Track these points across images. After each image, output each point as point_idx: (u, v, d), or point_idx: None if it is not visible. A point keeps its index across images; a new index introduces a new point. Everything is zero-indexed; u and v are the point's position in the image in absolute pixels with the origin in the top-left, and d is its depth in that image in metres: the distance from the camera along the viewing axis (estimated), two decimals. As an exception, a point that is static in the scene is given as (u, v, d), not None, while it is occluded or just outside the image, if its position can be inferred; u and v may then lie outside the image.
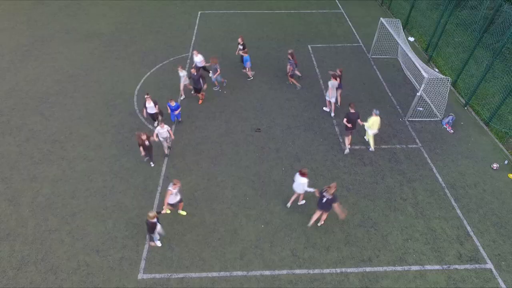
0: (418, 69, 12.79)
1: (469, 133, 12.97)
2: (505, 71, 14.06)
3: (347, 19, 20.75)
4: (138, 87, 15.14)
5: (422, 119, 13.48)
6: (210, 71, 14.68)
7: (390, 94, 14.85)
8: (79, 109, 13.91)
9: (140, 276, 8.75)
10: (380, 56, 17.15)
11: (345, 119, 11.44)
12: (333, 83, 12.71)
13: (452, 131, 12.94)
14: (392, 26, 15.39)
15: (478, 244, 9.49)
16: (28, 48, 17.76)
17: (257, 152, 12.11)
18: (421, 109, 13.82)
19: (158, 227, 8.85)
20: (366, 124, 11.59)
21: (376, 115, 11.30)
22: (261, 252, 9.26)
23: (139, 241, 9.49)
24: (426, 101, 14.24)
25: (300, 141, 12.55)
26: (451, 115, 13.18)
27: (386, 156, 12.01)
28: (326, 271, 8.88)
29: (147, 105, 12.04)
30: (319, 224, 9.83)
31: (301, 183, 9.46)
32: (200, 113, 13.75)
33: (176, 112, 12.71)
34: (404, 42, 14.51)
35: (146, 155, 11.20)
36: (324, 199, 8.94)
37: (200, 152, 12.12)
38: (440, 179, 11.22)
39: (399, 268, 8.93)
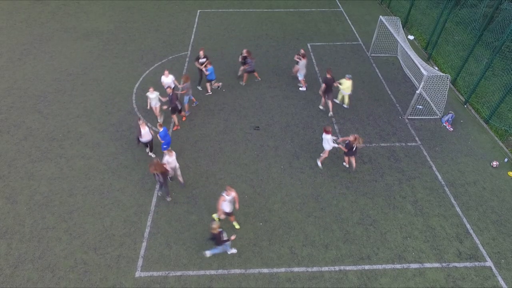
0: (418, 67, 12.73)
1: (468, 131, 12.92)
2: (505, 69, 13.99)
3: (347, 17, 20.70)
4: (137, 85, 15.10)
5: (422, 117, 13.43)
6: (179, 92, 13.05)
7: (389, 92, 14.79)
8: (77, 107, 13.87)
9: (138, 274, 8.71)
10: (379, 55, 17.10)
11: (323, 85, 12.85)
12: (302, 63, 14.07)
13: (451, 129, 12.88)
14: (391, 24, 15.34)
15: (477, 242, 9.43)
16: (27, 46, 17.72)
17: (255, 150, 12.07)
18: (420, 107, 13.77)
19: (224, 235, 8.33)
20: (341, 87, 13.25)
21: (349, 79, 13.05)
22: (259, 250, 9.21)
23: (137, 239, 9.44)
24: (425, 99, 14.18)
25: (299, 139, 12.50)
26: (450, 113, 13.13)
27: (385, 154, 11.95)
28: (325, 269, 8.83)
29: (142, 131, 10.87)
30: (353, 169, 11.20)
31: (326, 139, 10.71)
32: (199, 111, 13.70)
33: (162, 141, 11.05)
34: (403, 40, 14.46)
35: (161, 186, 10.00)
36: (354, 147, 10.49)
37: (199, 150, 12.07)
38: (440, 177, 11.16)
39: (398, 266, 8.88)
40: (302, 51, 14.18)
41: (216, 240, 8.22)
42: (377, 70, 16.10)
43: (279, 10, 21.50)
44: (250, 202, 10.39)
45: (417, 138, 12.55)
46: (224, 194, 8.79)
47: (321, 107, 13.89)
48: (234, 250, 9.09)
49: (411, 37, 18.46)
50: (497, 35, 14.62)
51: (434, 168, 11.45)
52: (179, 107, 12.55)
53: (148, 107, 12.77)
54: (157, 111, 12.87)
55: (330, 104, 13.27)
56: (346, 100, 13.79)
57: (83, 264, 8.89)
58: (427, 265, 8.91)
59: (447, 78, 13.08)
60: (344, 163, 11.46)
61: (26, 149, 12.04)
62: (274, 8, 21.80)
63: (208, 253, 8.98)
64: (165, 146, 11.17)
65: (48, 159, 11.68)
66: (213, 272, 8.75)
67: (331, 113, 13.43)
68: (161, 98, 12.59)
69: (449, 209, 10.22)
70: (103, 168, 11.39)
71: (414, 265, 8.90)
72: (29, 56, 16.98)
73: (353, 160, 11.00)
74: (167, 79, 12.96)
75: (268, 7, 21.91)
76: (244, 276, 8.68)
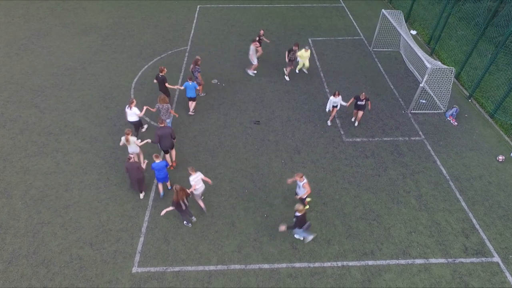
0: (421, 60, 12.48)
1: (473, 125, 12.66)
2: (510, 63, 13.74)
3: (348, 12, 20.45)
4: (135, 79, 14.87)
5: (425, 112, 13.17)
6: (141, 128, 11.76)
7: (392, 86, 14.54)
8: (74, 102, 13.64)
9: (135, 269, 8.46)
10: (381, 49, 16.85)
11: (286, 52, 14.26)
12: (252, 47, 14.38)
13: (456, 123, 12.63)
14: (394, 18, 15.09)
15: (484, 237, 9.17)
16: (25, 41, 17.50)
17: (256, 145, 11.82)
18: (424, 101, 13.52)
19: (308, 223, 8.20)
20: (298, 54, 14.30)
21: (306, 50, 14.15)
22: (260, 245, 8.96)
23: (134, 234, 9.20)
24: (429, 93, 13.93)
25: (300, 133, 12.26)
26: (455, 107, 12.87)
27: (388, 148, 11.70)
28: (327, 264, 8.58)
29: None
30: (356, 124, 12.43)
31: (331, 100, 11.94)
32: (198, 105, 13.46)
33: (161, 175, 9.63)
34: (406, 34, 14.20)
35: (183, 214, 8.98)
36: (364, 102, 11.72)
37: (198, 144, 11.83)
38: (444, 172, 10.91)
39: (402, 262, 8.63)
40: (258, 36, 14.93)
41: (298, 223, 8.04)
42: (379, 65, 15.85)
43: (280, 6, 21.27)
44: (251, 196, 10.15)
45: (420, 133, 12.30)
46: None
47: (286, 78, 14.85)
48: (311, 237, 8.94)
49: (413, 32, 18.20)
50: (501, 29, 14.37)
51: (438, 163, 11.20)
52: (172, 143, 10.50)
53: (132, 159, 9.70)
54: (141, 157, 10.75)
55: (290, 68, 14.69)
56: (305, 69, 15.08)
57: (79, 260, 8.65)
58: (433, 260, 8.66)
59: (451, 71, 12.83)
60: (352, 118, 12.69)
61: (22, 144, 11.81)
62: (274, 3, 21.57)
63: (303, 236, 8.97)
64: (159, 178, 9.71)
65: (44, 154, 11.45)
66: (212, 267, 8.51)
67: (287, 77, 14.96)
68: (138, 144, 10.24)
69: (454, 204, 9.97)
70: (101, 163, 11.15)
71: (419, 261, 8.65)
72: (27, 51, 16.76)
73: (360, 114, 12.16)
74: (131, 111, 11.00)
75: (269, 2, 21.68)
76: (244, 271, 8.43)
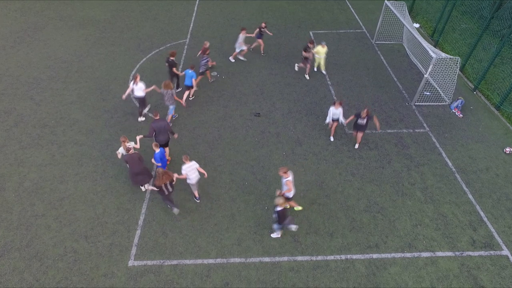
0: (425, 51, 12.18)
1: (479, 117, 12.35)
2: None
3: (350, 6, 20.14)
4: (133, 72, 14.56)
5: (430, 104, 12.87)
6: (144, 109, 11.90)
7: (395, 79, 14.23)
8: (71, 94, 13.33)
9: (131, 263, 8.17)
10: (384, 42, 16.54)
11: (303, 52, 13.57)
12: (241, 36, 14.26)
13: (461, 115, 12.33)
14: (397, 9, 14.78)
15: (492, 230, 8.87)
16: (21, 34, 17.20)
17: (256, 137, 11.52)
18: (428, 93, 13.21)
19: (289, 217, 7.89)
20: (314, 50, 13.67)
21: (323, 45, 13.55)
22: (261, 238, 8.67)
23: (131, 226, 8.90)
24: (433, 86, 13.63)
25: (301, 125, 11.96)
26: (460, 98, 12.57)
27: (392, 140, 11.40)
28: (330, 257, 8.28)
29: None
30: (356, 147, 11.02)
31: (330, 111, 10.74)
32: (197, 97, 13.16)
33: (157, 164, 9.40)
34: (409, 24, 13.89)
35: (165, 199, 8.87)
36: (364, 121, 10.19)
37: (197, 136, 11.53)
38: (450, 164, 10.61)
39: (408, 255, 8.33)
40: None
41: (279, 218, 7.68)
42: (382, 58, 15.55)
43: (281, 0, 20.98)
44: (251, 189, 9.85)
45: (425, 125, 11.99)
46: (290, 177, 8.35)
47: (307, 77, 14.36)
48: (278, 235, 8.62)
49: (416, 25, 17.89)
50: (505, 22, 14.09)
51: (443, 155, 10.90)
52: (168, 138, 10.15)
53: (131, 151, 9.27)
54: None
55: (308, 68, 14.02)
56: (322, 67, 14.26)
57: (73, 253, 8.36)
58: (439, 253, 8.36)
59: (457, 60, 12.52)
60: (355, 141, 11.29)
61: (17, 136, 11.51)
62: (275, -3, 21.25)
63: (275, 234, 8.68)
64: (159, 165, 9.50)
65: (39, 146, 11.15)
66: (211, 261, 8.21)
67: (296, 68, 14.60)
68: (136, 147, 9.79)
69: (461, 196, 9.67)
70: (97, 155, 10.85)
71: (425, 254, 8.35)
72: (23, 43, 16.45)
73: (360, 135, 10.74)
74: (137, 86, 11.16)
75: (269, -4, 21.36)
76: (244, 265, 8.14)
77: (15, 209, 9.31)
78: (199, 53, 13.21)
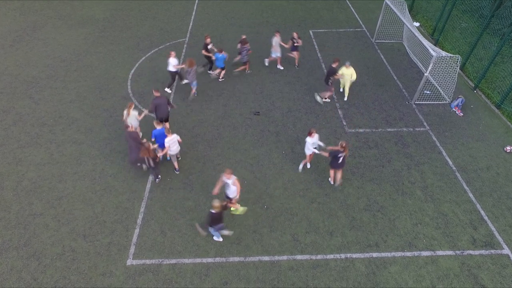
0: (425, 49, 12.13)
1: (479, 116, 12.30)
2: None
3: (350, 5, 20.08)
4: (132, 71, 14.51)
5: (430, 102, 12.81)
6: (185, 79, 12.98)
7: (395, 77, 14.18)
8: (70, 93, 13.29)
9: (129, 262, 8.12)
10: (384, 41, 16.49)
11: (327, 75, 12.09)
12: (275, 40, 13.56)
13: (461, 114, 12.27)
14: (397, 8, 14.73)
15: (493, 228, 8.82)
16: (20, 33, 17.16)
17: (256, 136, 11.47)
18: (428, 92, 13.16)
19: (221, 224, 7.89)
20: (339, 73, 12.15)
21: (348, 66, 12.18)
22: (260, 237, 8.62)
23: (129, 225, 8.85)
24: (433, 84, 13.57)
25: (301, 124, 11.90)
26: (460, 97, 12.51)
27: (392, 139, 11.35)
28: (330, 256, 8.23)
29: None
30: (337, 185, 9.73)
31: (308, 143, 9.45)
32: (196, 96, 13.11)
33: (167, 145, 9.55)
34: (409, 23, 13.84)
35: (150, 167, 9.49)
36: (341, 159, 9.03)
37: (196, 135, 11.48)
38: (450, 162, 10.55)
39: (408, 254, 8.28)
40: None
41: (211, 220, 7.68)
42: (382, 56, 15.50)
43: (280, -2, 20.91)
44: (250, 188, 9.80)
45: (425, 123, 11.94)
46: (223, 177, 8.28)
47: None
48: (220, 238, 8.53)
49: (416, 24, 17.84)
50: (505, 21, 14.03)
51: (444, 154, 10.85)
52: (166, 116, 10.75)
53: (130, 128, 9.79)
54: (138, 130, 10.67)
55: (331, 92, 12.47)
56: (346, 90, 12.72)
57: (71, 252, 8.31)
58: (440, 252, 8.31)
59: (458, 59, 12.47)
60: (330, 179, 9.88)
61: (15, 135, 11.46)
62: (275, -4, 21.20)
63: (219, 238, 8.55)
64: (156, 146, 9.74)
65: (38, 145, 11.11)
66: (210, 260, 8.16)
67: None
68: (138, 117, 10.43)
69: (461, 195, 9.61)
70: (95, 154, 10.80)
71: (425, 253, 8.30)
72: (22, 42, 16.41)
73: (339, 174, 9.51)
74: (171, 61, 12.41)
75: (269, -5, 21.31)
76: (244, 264, 8.09)
77: (13, 208, 9.26)
78: (239, 45, 13.55)
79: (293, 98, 13.08)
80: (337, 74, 12.02)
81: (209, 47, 13.39)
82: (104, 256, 8.22)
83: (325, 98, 12.78)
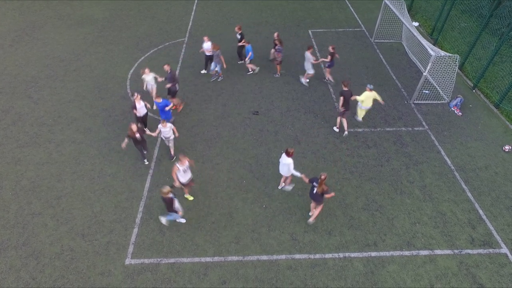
0: (424, 49, 12.13)
1: (478, 115, 12.31)
2: (514, 54, 13.40)
3: (349, 5, 20.09)
4: (131, 70, 14.53)
5: (429, 102, 12.83)
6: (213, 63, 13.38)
7: (394, 77, 14.19)
8: (69, 93, 13.30)
9: (128, 261, 8.13)
10: (383, 40, 16.50)
11: (341, 100, 10.72)
12: (307, 55, 12.71)
13: (460, 113, 12.28)
14: (396, 7, 14.74)
15: (491, 228, 8.83)
16: (19, 33, 17.17)
17: (254, 135, 11.48)
18: (427, 92, 13.17)
19: (176, 202, 8.11)
20: (359, 98, 10.99)
21: (370, 89, 10.88)
22: (258, 236, 8.62)
23: (128, 225, 8.86)
24: (432, 84, 13.58)
25: (300, 123, 11.91)
26: (459, 97, 12.53)
27: (391, 138, 11.36)
28: (328, 255, 8.24)
29: (137, 105, 10.60)
30: (310, 220, 8.74)
31: (285, 164, 8.64)
32: (196, 96, 13.13)
33: (167, 108, 10.71)
34: (408, 22, 13.85)
35: (140, 149, 10.16)
36: (315, 190, 8.05)
37: (195, 134, 11.49)
38: (449, 162, 10.56)
39: (406, 253, 8.29)
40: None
41: (166, 205, 7.93)
42: (381, 56, 15.51)
43: (279, -2, 20.91)
44: (249, 187, 9.81)
45: (424, 123, 11.95)
46: (177, 164, 8.50)
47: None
48: (183, 220, 8.90)
49: (415, 24, 17.85)
50: (504, 20, 14.03)
51: (442, 153, 10.86)
52: (177, 89, 11.98)
53: (145, 88, 12.22)
54: (153, 93, 12.33)
55: (344, 122, 11.30)
56: (359, 113, 11.64)
57: (70, 251, 8.32)
58: (438, 252, 8.32)
59: (456, 58, 12.47)
60: (310, 213, 9.05)
61: (14, 134, 11.48)
62: (274, -4, 21.21)
63: (163, 220, 8.69)
64: (167, 109, 10.85)
65: (37, 144, 11.12)
66: (208, 259, 8.17)
67: (346, 133, 11.35)
68: (157, 77, 12.14)
69: (460, 194, 9.63)
70: (94, 153, 10.81)
71: (424, 252, 8.31)
72: (21, 42, 16.42)
73: (313, 207, 8.74)
74: (206, 45, 13.39)
75: (268, -5, 21.31)
76: (242, 263, 8.09)
77: (12, 208, 9.27)
78: (277, 45, 13.32)
79: (292, 97, 13.09)
80: (354, 96, 10.90)
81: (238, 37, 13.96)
82: (102, 256, 8.23)
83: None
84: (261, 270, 7.96)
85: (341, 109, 10.93)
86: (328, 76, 13.69)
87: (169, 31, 17.42)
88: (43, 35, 17.03)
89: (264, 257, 8.21)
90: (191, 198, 9.47)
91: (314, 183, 8.08)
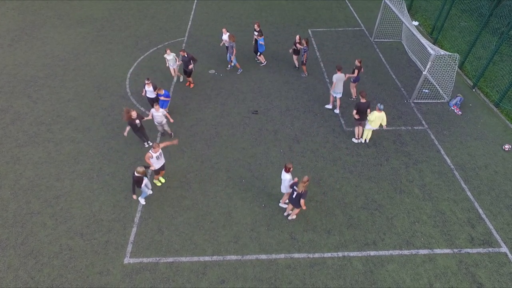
0: (424, 47, 12.11)
1: (478, 114, 12.28)
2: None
3: (349, 4, 20.06)
4: (131, 70, 14.51)
5: (428, 101, 12.80)
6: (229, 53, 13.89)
7: (394, 76, 14.17)
8: (68, 92, 13.28)
9: (127, 260, 8.11)
10: (383, 40, 16.47)
11: (354, 111, 10.41)
12: (338, 76, 11.34)
13: (460, 112, 12.26)
14: (395, 7, 14.71)
15: (491, 227, 8.81)
16: (18, 33, 17.15)
17: (254, 134, 11.46)
18: (427, 91, 13.14)
19: (145, 180, 8.69)
20: (369, 118, 10.26)
21: (380, 110, 10.04)
22: (257, 236, 8.61)
23: (127, 224, 8.85)
24: (432, 83, 13.55)
25: (299, 123, 11.89)
26: (459, 96, 12.50)
27: (390, 137, 11.34)
28: (327, 255, 8.22)
29: (146, 88, 11.45)
30: (289, 218, 8.88)
31: (284, 179, 8.28)
32: (195, 95, 13.11)
33: (166, 99, 11.41)
34: (408, 21, 13.83)
35: (139, 135, 10.71)
36: (295, 194, 7.96)
37: (194, 134, 11.47)
38: (449, 161, 10.54)
39: (406, 252, 8.27)
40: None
41: (133, 181, 8.39)
42: (380, 55, 15.48)
43: (279, -2, 20.88)
44: (248, 186, 9.79)
45: (423, 122, 11.93)
46: (150, 151, 8.82)
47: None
48: (143, 201, 9.30)
49: (415, 23, 17.82)
50: (504, 19, 14.00)
51: (442, 152, 10.83)
52: (191, 70, 12.95)
53: (167, 65, 13.36)
54: (175, 72, 13.41)
55: (361, 130, 10.95)
56: (366, 134, 10.97)
57: (69, 250, 8.30)
58: (437, 251, 8.30)
59: (456, 57, 12.45)
60: (285, 214, 9.06)
61: (13, 134, 11.46)
62: (273, -5, 21.17)
63: (142, 200, 9.27)
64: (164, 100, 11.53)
65: (36, 143, 11.10)
66: (207, 258, 8.15)
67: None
68: (177, 59, 13.19)
69: (459, 194, 9.60)
70: (93, 152, 10.80)
71: (423, 251, 8.28)
72: (20, 42, 16.41)
73: (289, 208, 8.79)
74: (224, 36, 14.09)
75: (268, -6, 21.28)
76: (241, 262, 8.08)
77: (11, 207, 9.26)
78: (304, 45, 13.10)
79: (291, 96, 13.07)
80: (369, 111, 10.32)
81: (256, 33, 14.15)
82: (101, 255, 8.22)
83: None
84: (260, 269, 7.94)
85: (356, 116, 10.46)
86: (353, 92, 12.71)
87: (169, 30, 17.40)
88: (43, 34, 17.01)
89: (263, 256, 8.19)
90: (163, 180, 9.86)
91: (295, 187, 7.98)
